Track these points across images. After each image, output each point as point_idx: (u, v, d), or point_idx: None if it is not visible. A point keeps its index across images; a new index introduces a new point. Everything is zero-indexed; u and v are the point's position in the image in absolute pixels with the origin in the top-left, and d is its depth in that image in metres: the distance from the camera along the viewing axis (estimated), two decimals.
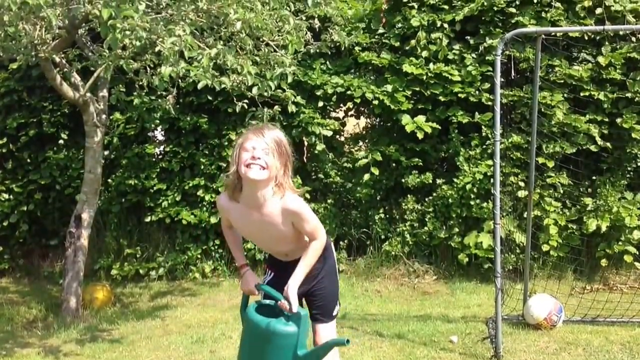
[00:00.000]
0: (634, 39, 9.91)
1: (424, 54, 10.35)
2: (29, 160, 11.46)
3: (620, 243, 9.78)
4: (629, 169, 10.10)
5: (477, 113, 10.16)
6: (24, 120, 11.32)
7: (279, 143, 4.45)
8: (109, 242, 11.01)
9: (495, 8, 10.15)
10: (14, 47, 7.47)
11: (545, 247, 9.71)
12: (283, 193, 4.48)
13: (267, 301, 4.52)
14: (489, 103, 9.86)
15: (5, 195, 11.40)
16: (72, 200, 10.69)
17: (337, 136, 11.09)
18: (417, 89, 10.31)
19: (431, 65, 10.27)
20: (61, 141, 11.37)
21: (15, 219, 11.40)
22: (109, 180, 10.97)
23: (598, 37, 10.09)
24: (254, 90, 7.37)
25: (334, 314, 4.94)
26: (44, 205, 11.47)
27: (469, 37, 10.41)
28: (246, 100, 8.10)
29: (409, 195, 10.41)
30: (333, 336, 4.87)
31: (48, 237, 11.65)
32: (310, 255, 4.56)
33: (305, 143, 10.90)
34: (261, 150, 4.36)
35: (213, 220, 10.50)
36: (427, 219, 10.25)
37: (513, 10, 10.11)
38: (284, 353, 4.26)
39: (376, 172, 10.36)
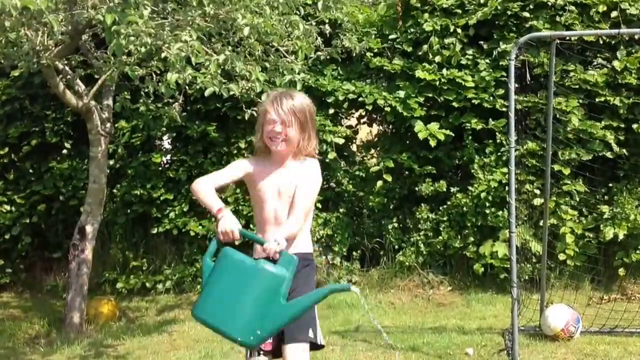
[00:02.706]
0: None
1: (437, 59, 10.27)
2: (31, 171, 11.34)
3: (638, 252, 9.68)
4: None
5: (491, 119, 10.08)
6: (26, 129, 11.20)
7: (298, 112, 4.54)
8: (114, 254, 10.89)
9: (509, 12, 10.08)
10: (16, 53, 7.38)
11: (561, 256, 9.60)
12: (304, 157, 4.66)
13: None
14: (504, 109, 9.71)
15: (7, 207, 11.25)
16: (76, 211, 10.51)
17: (349, 144, 11.02)
18: (430, 95, 10.24)
19: (444, 71, 10.19)
20: (65, 151, 11.25)
21: (17, 232, 11.25)
22: (114, 191, 10.85)
23: (613, 41, 9.99)
24: (263, 97, 7.22)
25: (309, 335, 4.53)
26: (47, 217, 11.33)
27: (482, 42, 10.36)
28: (255, 108, 7.95)
29: (422, 204, 10.31)
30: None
31: (51, 250, 11.51)
32: (289, 225, 4.48)
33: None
34: (280, 124, 4.51)
35: None
36: (441, 228, 10.15)
37: (527, 14, 10.05)
38: (269, 297, 3.98)
39: (389, 179, 10.28)
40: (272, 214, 4.64)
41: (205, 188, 4.59)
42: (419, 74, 10.15)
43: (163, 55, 6.41)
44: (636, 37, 9.80)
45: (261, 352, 4.50)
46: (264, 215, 4.64)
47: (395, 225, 10.41)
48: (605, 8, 9.93)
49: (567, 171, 9.70)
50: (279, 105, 4.52)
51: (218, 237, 4.28)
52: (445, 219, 10.15)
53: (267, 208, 4.64)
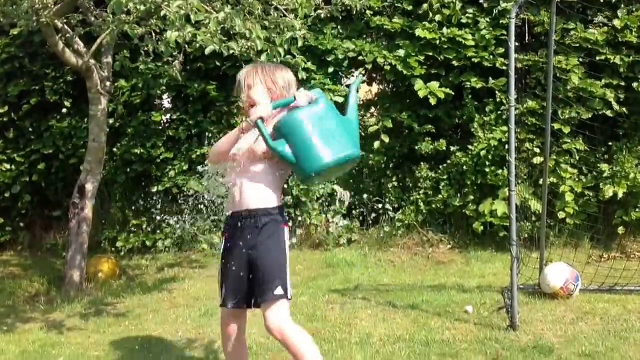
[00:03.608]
0: None
1: (437, 18, 10.23)
2: (31, 130, 11.35)
3: (637, 210, 9.68)
4: None
5: (491, 78, 10.07)
6: (25, 88, 11.20)
7: (256, 76, 4.84)
8: (114, 213, 10.90)
9: None
10: (15, 12, 7.29)
11: (561, 215, 9.62)
12: None
13: None
14: (504, 68, 9.69)
15: (7, 166, 11.27)
16: (76, 170, 10.49)
17: None
18: (430, 54, 10.21)
19: (444, 30, 10.15)
20: (64, 109, 11.24)
21: (17, 190, 11.28)
22: (114, 150, 10.84)
23: (614, 0, 9.94)
24: (264, 57, 7.23)
25: (275, 293, 4.62)
26: (47, 176, 11.35)
27: (482, 1, 10.31)
28: None
29: (422, 163, 10.32)
30: (281, 321, 4.61)
31: (51, 208, 11.54)
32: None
33: None
34: (244, 94, 4.84)
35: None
36: (441, 187, 10.16)
37: None
38: (339, 117, 4.68)
39: (386, 139, 10.27)
40: (246, 172, 4.78)
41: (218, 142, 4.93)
42: (419, 32, 10.10)
43: (162, 13, 6.34)
44: None
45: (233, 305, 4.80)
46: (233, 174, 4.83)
47: (395, 184, 10.43)
48: None
49: (567, 130, 9.69)
50: (240, 81, 4.86)
51: (259, 123, 4.56)
52: (445, 177, 10.16)
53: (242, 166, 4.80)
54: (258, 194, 4.73)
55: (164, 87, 10.73)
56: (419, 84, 10.08)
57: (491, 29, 10.09)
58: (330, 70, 10.35)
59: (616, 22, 9.79)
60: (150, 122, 10.75)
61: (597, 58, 9.71)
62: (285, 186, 9.64)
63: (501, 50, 9.94)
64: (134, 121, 10.79)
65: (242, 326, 4.92)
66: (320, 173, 4.58)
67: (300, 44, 7.42)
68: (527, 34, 10.18)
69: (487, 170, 9.78)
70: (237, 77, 4.91)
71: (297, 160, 4.52)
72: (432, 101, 10.00)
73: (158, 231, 10.67)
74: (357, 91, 4.92)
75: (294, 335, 4.59)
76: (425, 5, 10.26)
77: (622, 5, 9.92)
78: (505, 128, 9.40)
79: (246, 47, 7.25)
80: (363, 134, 10.47)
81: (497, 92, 10.00)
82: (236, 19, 6.51)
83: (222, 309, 4.89)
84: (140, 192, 11.01)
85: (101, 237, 10.71)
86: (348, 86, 4.72)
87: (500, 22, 10.02)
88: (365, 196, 10.51)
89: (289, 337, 4.56)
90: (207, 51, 6.73)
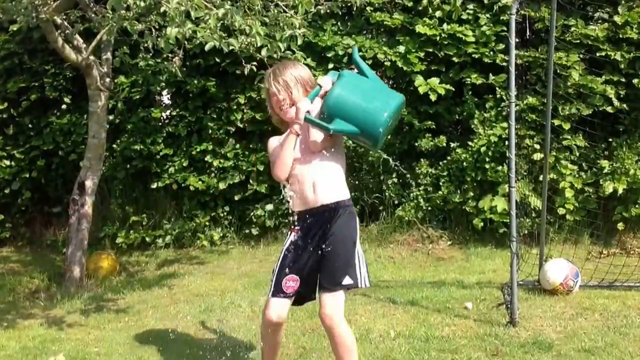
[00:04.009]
0: None
1: (438, 14, 10.22)
2: (30, 126, 11.36)
3: (637, 206, 9.68)
4: None
5: (491, 74, 10.05)
6: (25, 84, 11.21)
7: (294, 77, 4.98)
8: (114, 209, 10.92)
9: None
10: (14, 7, 7.29)
11: (561, 211, 9.60)
12: None
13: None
14: (504, 64, 9.70)
15: (7, 162, 11.28)
16: (75, 166, 10.51)
17: None
18: (431, 50, 10.19)
19: (445, 26, 10.13)
20: (64, 106, 11.24)
21: (17, 186, 11.31)
22: (114, 146, 10.84)
23: None
24: (263, 52, 7.22)
25: (343, 282, 4.79)
26: (46, 172, 11.37)
27: None
28: (255, 63, 7.94)
29: (422, 159, 10.30)
30: (337, 310, 4.77)
31: (51, 204, 11.57)
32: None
33: None
34: (283, 91, 4.92)
35: (222, 186, 10.42)
36: (441, 183, 10.15)
37: None
38: (369, 79, 4.92)
39: (388, 135, 10.17)
40: (306, 169, 4.92)
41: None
42: (420, 28, 10.09)
43: (162, 9, 6.35)
44: None
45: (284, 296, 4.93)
46: (305, 172, 4.91)
47: (395, 180, 10.41)
48: None
49: (567, 126, 9.68)
50: (274, 77, 4.96)
51: (308, 117, 4.78)
52: (445, 174, 10.15)
53: (302, 165, 4.93)
54: (329, 189, 4.91)
55: (164, 84, 10.72)
56: (419, 80, 10.06)
57: (491, 25, 10.07)
58: (330, 66, 10.28)
59: (617, 18, 9.76)
60: (150, 118, 10.76)
61: (598, 54, 9.69)
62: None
63: (501, 46, 9.93)
64: (133, 117, 10.79)
65: (285, 318, 5.04)
66: (385, 127, 4.72)
67: (299, 41, 7.40)
68: (527, 30, 10.21)
69: (487, 166, 9.76)
70: (265, 88, 5.11)
71: (360, 128, 4.69)
72: (432, 97, 9.97)
73: (158, 227, 10.68)
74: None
75: (347, 327, 4.82)
76: (425, 1, 10.24)
77: (623, 1, 9.89)
78: (505, 124, 9.37)
79: (246, 43, 7.24)
80: None
81: (497, 88, 9.99)
82: (236, 15, 6.50)
83: (272, 299, 4.95)
84: (140, 188, 11.03)
85: (101, 233, 10.71)
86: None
87: (501, 18, 10.01)
88: (365, 192, 10.50)
89: (342, 327, 4.79)
90: (207, 47, 6.73)
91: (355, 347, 4.87)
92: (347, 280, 4.78)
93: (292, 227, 5.02)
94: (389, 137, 10.09)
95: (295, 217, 5.01)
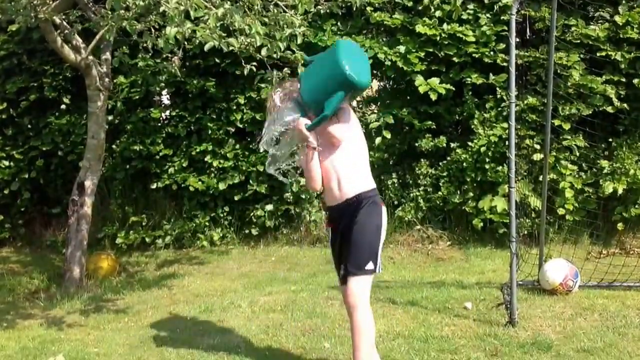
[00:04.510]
0: None
1: (438, 13, 10.22)
2: (29, 126, 11.34)
3: (637, 206, 9.69)
4: None
5: (491, 74, 10.05)
6: (24, 85, 11.20)
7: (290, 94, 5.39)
8: (114, 209, 10.92)
9: None
10: (13, 8, 7.29)
11: (561, 211, 9.60)
12: None
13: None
14: (504, 64, 9.70)
15: (6, 162, 11.27)
16: (75, 167, 10.51)
17: None
18: (431, 50, 10.18)
19: (445, 26, 10.13)
20: (63, 106, 11.23)
21: (17, 187, 11.30)
22: (113, 146, 10.84)
23: None
24: (263, 52, 7.20)
25: (366, 268, 5.12)
26: (45, 173, 11.36)
27: None
28: (255, 63, 7.90)
29: (422, 160, 10.30)
30: (363, 293, 5.09)
31: (50, 205, 11.55)
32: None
33: None
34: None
35: (221, 186, 10.41)
36: (441, 184, 10.17)
37: None
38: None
39: (388, 135, 10.26)
40: (332, 167, 5.26)
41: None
42: (420, 28, 10.08)
43: (161, 9, 6.34)
44: None
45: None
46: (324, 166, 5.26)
47: (395, 180, 10.40)
48: None
49: (567, 126, 9.67)
50: (281, 86, 5.50)
51: (309, 127, 5.16)
52: (444, 174, 10.14)
53: (330, 163, 5.25)
54: (352, 182, 5.22)
55: (163, 84, 10.70)
56: (419, 80, 10.05)
57: (492, 24, 10.06)
58: None
59: (617, 18, 9.76)
60: (150, 118, 10.73)
61: (598, 54, 9.69)
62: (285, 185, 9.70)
63: (502, 46, 9.92)
64: (133, 118, 10.77)
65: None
66: (350, 65, 5.03)
67: (299, 40, 7.38)
68: (527, 30, 10.19)
69: (487, 166, 9.76)
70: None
71: (339, 89, 5.06)
72: (433, 96, 9.96)
73: (157, 228, 10.67)
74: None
75: (366, 312, 5.11)
76: (425, 1, 10.22)
77: (623, 1, 9.88)
78: (505, 124, 9.38)
79: (245, 42, 7.23)
80: (364, 131, 10.48)
81: (497, 88, 9.98)
82: (235, 15, 6.49)
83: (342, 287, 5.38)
84: (139, 188, 11.01)
85: (101, 233, 10.71)
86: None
87: (501, 18, 10.01)
88: None
89: (361, 312, 5.09)
90: (207, 47, 6.72)
91: (372, 334, 5.16)
92: (369, 266, 5.09)
93: (327, 222, 5.56)
94: (389, 136, 10.10)
95: (327, 213, 5.54)
